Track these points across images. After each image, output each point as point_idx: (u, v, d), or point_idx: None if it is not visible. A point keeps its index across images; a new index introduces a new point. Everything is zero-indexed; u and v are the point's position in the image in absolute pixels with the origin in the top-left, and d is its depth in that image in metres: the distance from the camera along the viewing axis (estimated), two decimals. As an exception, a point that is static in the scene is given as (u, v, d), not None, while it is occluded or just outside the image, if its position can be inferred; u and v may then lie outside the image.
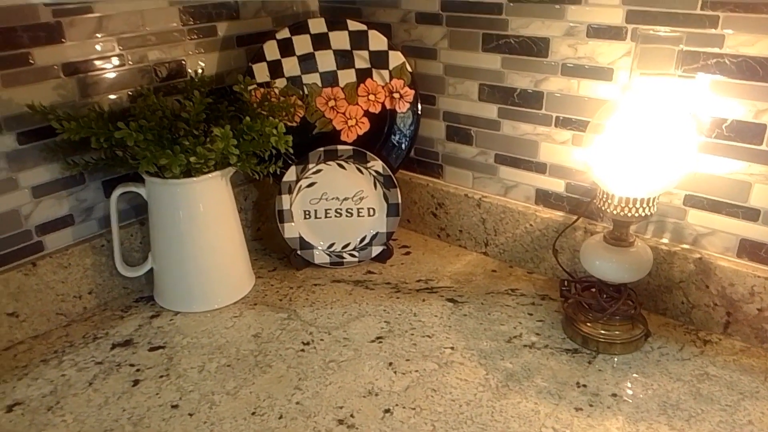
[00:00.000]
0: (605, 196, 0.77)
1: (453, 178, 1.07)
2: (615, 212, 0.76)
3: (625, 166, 0.73)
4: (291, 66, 1.00)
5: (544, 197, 0.97)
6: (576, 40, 0.85)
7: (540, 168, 0.96)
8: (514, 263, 1.02)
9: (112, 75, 0.87)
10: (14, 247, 0.83)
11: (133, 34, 0.88)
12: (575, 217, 0.92)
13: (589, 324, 0.81)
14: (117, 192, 0.88)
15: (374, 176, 1.00)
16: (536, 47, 0.89)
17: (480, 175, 1.03)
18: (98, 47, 0.85)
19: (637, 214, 0.75)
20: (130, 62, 0.89)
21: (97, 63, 0.85)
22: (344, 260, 1.02)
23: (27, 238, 0.84)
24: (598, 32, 0.83)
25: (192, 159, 0.81)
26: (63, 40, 0.81)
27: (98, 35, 0.85)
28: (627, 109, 0.74)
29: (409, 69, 1.00)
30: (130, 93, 0.90)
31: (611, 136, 0.75)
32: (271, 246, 1.10)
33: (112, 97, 0.88)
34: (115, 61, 0.87)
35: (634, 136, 0.72)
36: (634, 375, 0.75)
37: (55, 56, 0.81)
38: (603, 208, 0.78)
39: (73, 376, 0.78)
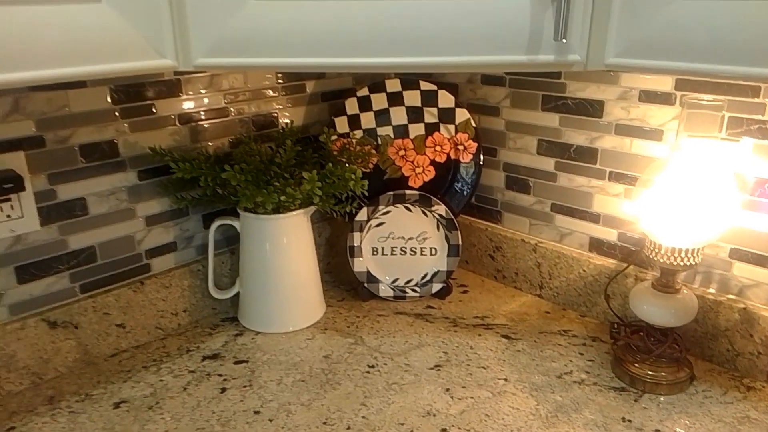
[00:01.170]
0: (653, 245, 0.84)
1: (511, 224, 1.15)
2: (662, 261, 0.83)
3: (672, 218, 0.80)
4: (368, 119, 1.12)
5: (597, 245, 1.04)
6: (629, 103, 0.93)
7: (594, 218, 1.03)
8: (567, 306, 1.08)
9: (217, 124, 1.02)
10: (127, 267, 0.97)
11: (237, 90, 1.03)
12: (626, 265, 0.98)
13: (636, 365, 0.87)
14: (215, 224, 1.01)
15: (437, 219, 1.10)
16: (592, 108, 0.98)
17: (537, 222, 1.11)
18: (207, 100, 1.00)
19: (682, 263, 0.81)
20: (232, 113, 1.03)
21: (206, 114, 1.00)
22: (406, 294, 1.11)
23: (138, 260, 0.98)
24: (650, 97, 0.91)
25: (282, 198, 0.93)
26: (180, 94, 0.97)
27: (209, 91, 1.00)
28: (675, 167, 0.81)
29: (474, 124, 1.10)
30: (230, 140, 1.04)
31: (660, 190, 0.82)
32: (339, 278, 1.20)
33: (216, 143, 1.03)
34: (221, 112, 1.02)
35: (681, 192, 0.79)
36: (678, 414, 0.80)
37: (173, 107, 0.96)
38: (651, 257, 0.84)
39: (170, 382, 0.89)
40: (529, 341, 0.98)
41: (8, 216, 0.82)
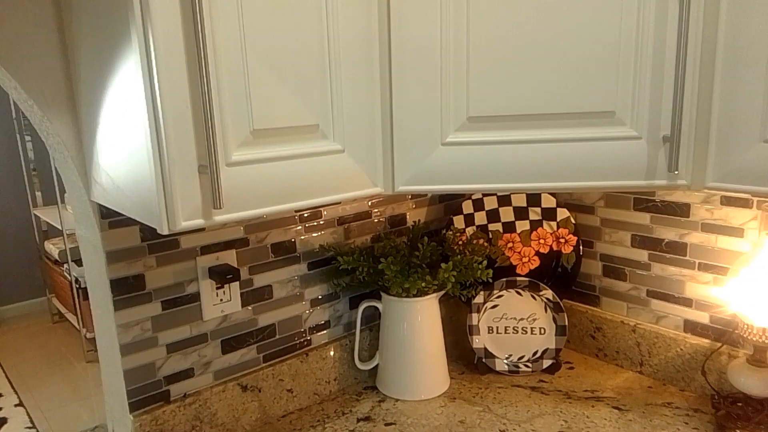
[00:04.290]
0: (746, 326, 1.00)
1: (609, 307, 1.32)
2: (755, 339, 0.98)
3: (762, 303, 0.97)
4: (481, 217, 1.34)
5: (691, 326, 1.19)
6: (712, 206, 1.12)
7: (686, 302, 1.19)
8: (667, 381, 1.22)
9: (362, 224, 1.26)
10: (296, 341, 1.18)
11: (378, 198, 1.27)
12: (720, 344, 1.13)
13: (738, 431, 1.00)
14: (363, 305, 1.22)
15: (545, 302, 1.28)
16: (679, 209, 1.17)
17: (633, 305, 1.28)
18: (356, 206, 1.25)
19: (774, 341, 0.97)
20: (375, 215, 1.27)
21: (356, 217, 1.24)
22: (520, 369, 1.28)
23: (304, 336, 1.20)
24: (730, 201, 1.10)
25: (422, 284, 1.14)
26: (340, 202, 1.21)
27: (359, 199, 1.24)
28: (757, 260, 0.98)
29: (573, 221, 1.30)
30: (372, 236, 1.28)
31: (748, 280, 0.99)
32: (455, 354, 1.38)
33: (361, 238, 1.26)
34: (366, 215, 1.26)
35: (765, 280, 0.96)
36: (783, 475, 0.93)
37: (335, 212, 1.21)
38: (745, 336, 1.00)
39: (334, 439, 1.08)
40: (638, 412, 1.12)
41: (221, 299, 1.06)
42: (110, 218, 0.92)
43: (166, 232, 0.66)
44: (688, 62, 0.74)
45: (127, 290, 0.96)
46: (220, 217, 0.68)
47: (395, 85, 0.81)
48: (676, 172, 0.77)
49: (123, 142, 0.73)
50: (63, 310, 3.66)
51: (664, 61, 0.75)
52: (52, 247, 3.55)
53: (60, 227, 3.29)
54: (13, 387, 3.20)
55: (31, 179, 3.79)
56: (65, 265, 3.36)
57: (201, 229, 1.02)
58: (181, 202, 0.65)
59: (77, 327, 3.35)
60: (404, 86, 0.81)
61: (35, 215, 3.77)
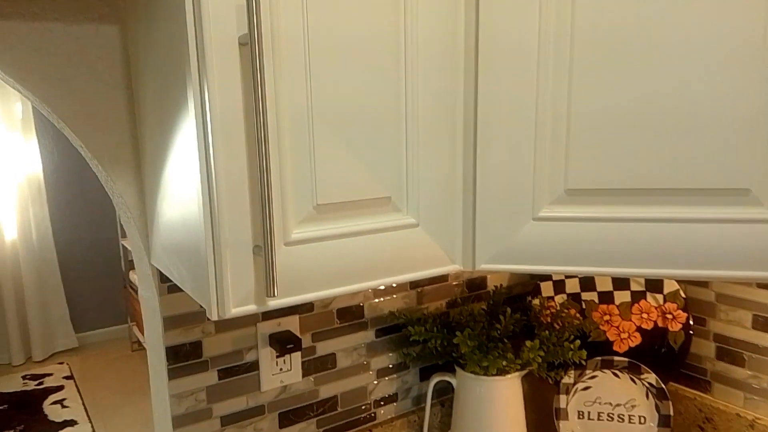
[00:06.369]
0: None
1: (722, 395, 1.13)
2: None
3: None
4: (572, 285, 1.20)
5: (831, 432, 0.99)
6: None
7: (824, 401, 0.99)
8: (797, 495, 1.02)
9: (438, 288, 1.15)
10: (360, 415, 1.08)
11: (456, 257, 1.17)
12: None
13: None
14: (434, 379, 1.11)
15: (647, 387, 1.11)
16: (818, 291, 0.98)
17: (752, 396, 1.08)
18: (430, 266, 1.14)
19: None
20: (451, 278, 1.16)
21: (432, 280, 1.14)
22: (614, 463, 1.11)
23: (368, 410, 1.09)
24: None
25: (503, 364, 1.01)
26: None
27: (435, 259, 1.14)
28: None
29: (683, 295, 1.13)
30: (447, 301, 1.16)
31: None
32: (537, 437, 1.23)
33: (435, 303, 1.15)
34: (441, 279, 1.15)
35: None
36: None
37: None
38: None
39: None
40: None
41: (281, 369, 0.98)
42: (170, 282, 0.87)
43: (215, 318, 0.58)
44: None
45: (183, 358, 0.89)
46: (275, 302, 0.60)
47: (480, 151, 0.71)
48: (834, 267, 0.62)
49: (180, 214, 0.67)
50: (142, 339, 3.75)
51: (818, 128, 0.61)
52: (136, 277, 3.66)
53: (143, 259, 3.38)
54: (88, 415, 3.28)
55: (120, 211, 3.95)
56: (145, 296, 3.45)
57: (263, 294, 0.95)
58: (231, 287, 0.58)
59: (153, 357, 3.41)
60: (491, 152, 0.70)
61: (123, 246, 3.92)
